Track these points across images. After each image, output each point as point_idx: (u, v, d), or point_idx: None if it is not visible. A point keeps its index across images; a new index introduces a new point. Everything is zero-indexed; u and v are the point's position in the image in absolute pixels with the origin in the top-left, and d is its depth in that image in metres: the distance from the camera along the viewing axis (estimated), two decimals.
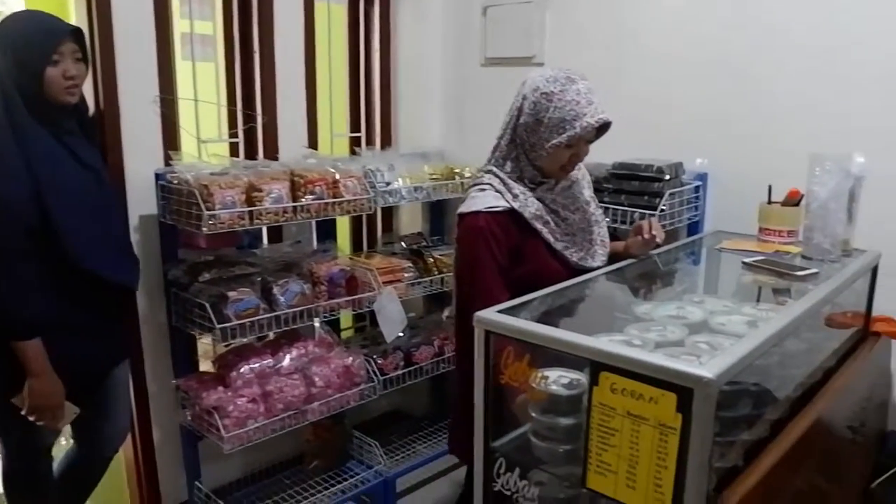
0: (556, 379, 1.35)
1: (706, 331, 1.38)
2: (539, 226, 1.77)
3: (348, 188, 2.42)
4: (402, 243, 2.96)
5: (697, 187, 2.38)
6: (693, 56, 2.42)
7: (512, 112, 1.80)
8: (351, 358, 2.57)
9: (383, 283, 2.63)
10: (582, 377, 1.30)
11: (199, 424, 2.29)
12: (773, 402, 1.43)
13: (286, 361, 2.42)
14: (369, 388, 2.61)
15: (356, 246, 3.20)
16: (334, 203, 2.38)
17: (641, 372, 1.13)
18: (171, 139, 2.41)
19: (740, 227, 2.23)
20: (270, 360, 2.39)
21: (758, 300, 1.69)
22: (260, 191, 2.18)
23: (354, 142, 3.15)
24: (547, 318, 1.44)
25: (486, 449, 1.42)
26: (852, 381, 1.71)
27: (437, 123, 3.20)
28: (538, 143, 1.74)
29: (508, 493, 1.38)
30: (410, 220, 3.31)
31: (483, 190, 1.79)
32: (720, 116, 2.38)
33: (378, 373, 2.65)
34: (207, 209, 2.04)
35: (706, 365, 1.09)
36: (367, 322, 3.07)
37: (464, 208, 1.79)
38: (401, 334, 2.83)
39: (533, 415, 1.35)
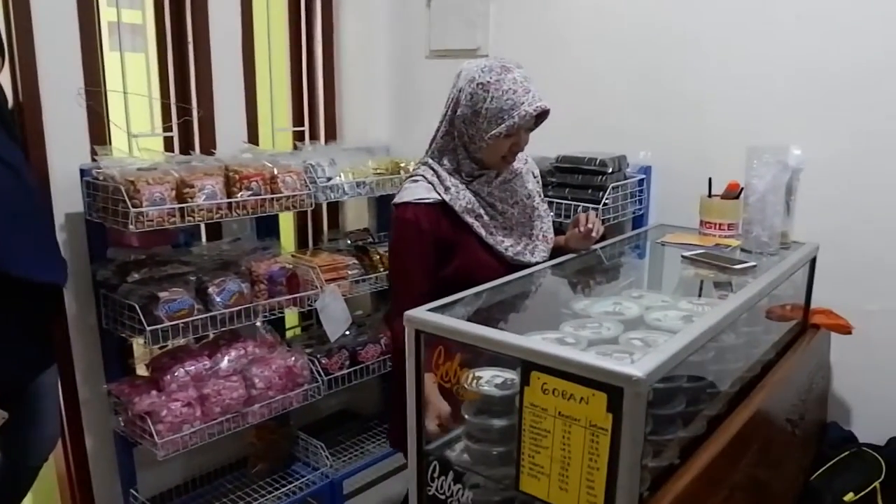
0: (490, 379, 1.31)
1: (642, 327, 1.36)
2: (470, 219, 1.75)
3: (287, 184, 2.35)
4: (348, 240, 2.89)
5: (641, 180, 2.37)
6: (634, 48, 2.41)
7: (448, 104, 1.78)
8: (294, 358, 2.50)
9: (327, 280, 2.57)
10: (516, 377, 1.25)
11: (131, 430, 2.19)
12: (711, 398, 1.41)
13: (224, 363, 2.34)
14: (314, 389, 2.55)
15: (301, 243, 3.13)
16: (273, 199, 2.31)
17: (572, 371, 1.09)
18: (98, 134, 2.30)
19: (684, 220, 2.22)
20: (207, 361, 2.31)
21: (700, 294, 1.68)
22: (191, 187, 2.09)
23: (298, 136, 3.07)
24: (481, 315, 1.40)
25: (420, 452, 1.37)
26: (791, 374, 1.71)
27: (383, 117, 3.14)
28: (477, 135, 1.72)
29: (443, 497, 1.34)
30: (357, 216, 3.24)
31: (416, 181, 1.78)
32: (663, 109, 2.37)
33: (322, 372, 2.59)
34: (134, 206, 1.95)
35: (636, 363, 1.06)
36: (313, 321, 2.99)
37: (396, 199, 1.80)
38: (347, 332, 2.78)
39: (465, 416, 1.30)
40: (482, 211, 1.78)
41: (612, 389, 1.05)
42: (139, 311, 2.03)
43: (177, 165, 2.16)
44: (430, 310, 1.33)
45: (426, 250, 1.70)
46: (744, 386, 1.58)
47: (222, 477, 2.75)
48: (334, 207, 3.22)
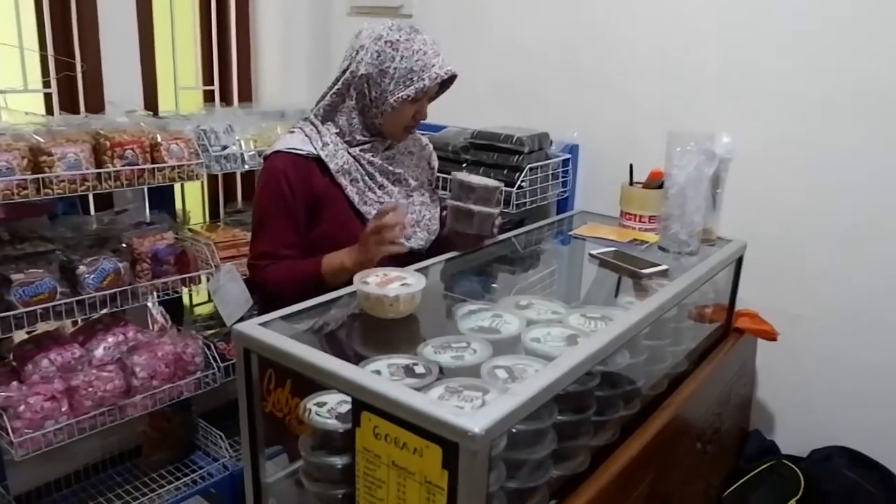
0: (335, 407, 1.11)
1: (517, 349, 1.16)
2: (344, 181, 1.60)
3: (173, 152, 2.09)
4: None
5: (567, 160, 2.16)
6: (562, 17, 2.19)
7: (345, 64, 1.62)
8: (184, 343, 2.28)
9: (225, 259, 2.34)
10: None
11: None
12: (595, 428, 1.23)
13: (99, 351, 2.11)
14: (209, 377, 2.33)
15: (214, 215, 2.88)
16: (154, 169, 2.06)
17: (402, 417, 0.89)
18: None
19: (610, 207, 2.02)
20: (78, 350, 2.08)
21: (616, 297, 1.49)
22: (49, 154, 1.83)
23: (209, 97, 2.80)
24: (331, 328, 1.19)
25: (256, 487, 1.17)
26: (704, 387, 1.54)
27: (301, 78, 2.87)
28: (380, 98, 1.57)
29: None
30: None
31: (291, 132, 1.66)
32: (591, 83, 2.15)
33: (219, 358, 2.37)
34: None
35: (477, 413, 0.87)
36: None
37: (268, 149, 1.67)
38: (253, 314, 2.57)
39: (302, 452, 1.10)
40: (358, 175, 1.63)
41: (447, 443, 0.86)
42: None
43: (36, 129, 1.89)
44: (263, 323, 1.11)
45: (293, 203, 1.57)
46: (645, 405, 1.40)
47: (113, 468, 2.54)
48: (250, 177, 2.97)
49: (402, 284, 1.25)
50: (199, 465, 2.55)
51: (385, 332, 1.18)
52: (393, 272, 1.30)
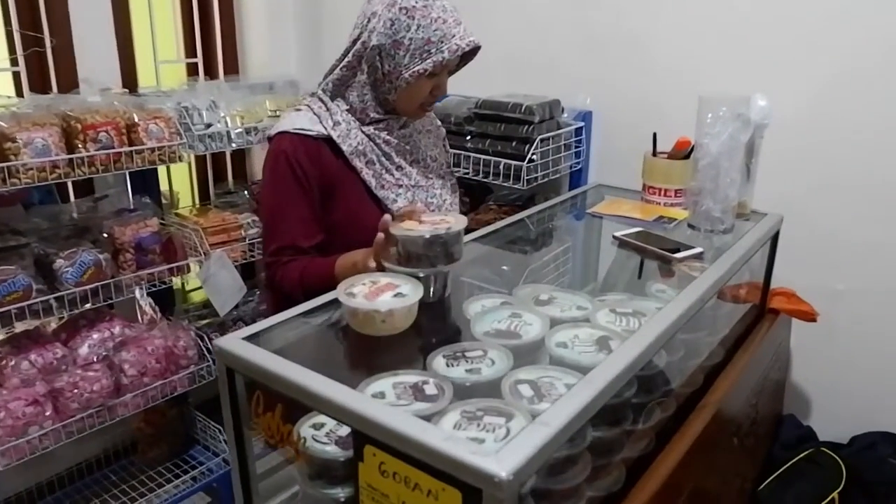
0: (334, 429, 0.96)
1: (540, 356, 1.01)
2: (359, 164, 1.43)
3: (152, 133, 1.93)
4: (246, 192, 2.49)
5: (579, 129, 1.99)
6: None
7: (356, 34, 1.44)
8: (176, 336, 2.14)
9: (215, 245, 2.19)
10: None
11: None
12: (635, 439, 1.08)
13: (84, 349, 1.98)
14: (204, 370, 2.20)
15: (203, 197, 2.72)
16: (132, 152, 1.89)
17: (413, 455, 0.75)
18: None
19: (629, 179, 1.85)
20: (60, 350, 1.94)
21: (644, 285, 1.33)
22: (14, 141, 1.67)
23: (193, 71, 2.62)
24: (328, 339, 1.04)
25: None
26: (740, 383, 1.40)
27: (290, 47, 2.68)
28: (394, 71, 1.39)
29: None
30: None
31: (298, 110, 1.48)
32: (606, 45, 1.97)
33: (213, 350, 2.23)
34: None
35: (501, 451, 0.72)
36: None
37: (271, 130, 1.48)
38: (249, 301, 2.44)
39: (299, 481, 0.96)
40: (374, 157, 1.45)
41: (468, 488, 0.71)
42: None
43: None
44: (248, 337, 0.96)
45: (308, 188, 1.40)
46: (680, 404, 1.25)
47: (107, 467, 2.42)
48: (240, 155, 2.80)
49: (396, 295, 1.05)
50: (199, 460, 2.44)
51: (388, 339, 1.03)
52: (383, 279, 1.10)
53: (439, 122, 1.64)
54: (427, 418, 0.83)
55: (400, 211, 1.27)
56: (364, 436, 0.79)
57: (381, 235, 1.19)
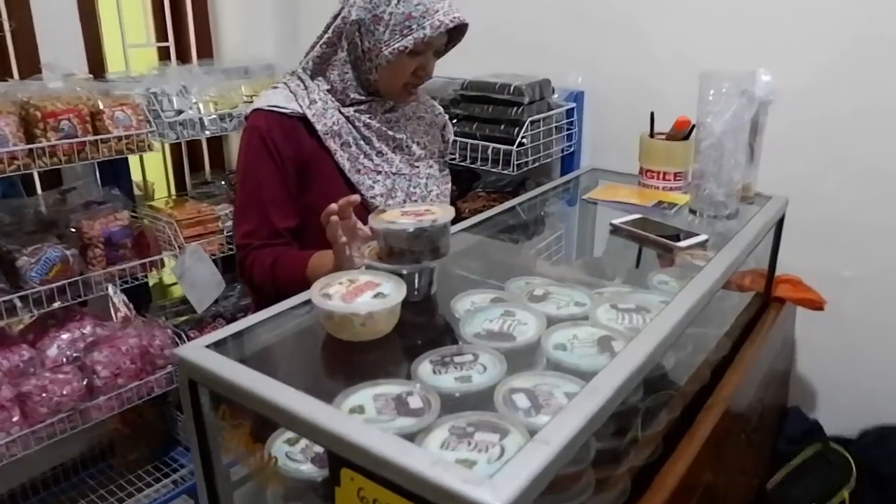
0: (310, 445, 0.87)
1: (536, 360, 0.92)
2: (333, 145, 1.35)
3: (117, 121, 1.82)
4: (224, 182, 2.38)
5: (571, 110, 1.89)
6: None
7: (337, 8, 1.36)
8: (151, 334, 2.04)
9: (190, 238, 2.09)
10: None
11: None
12: (641, 447, 0.99)
13: (52, 351, 1.88)
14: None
15: (180, 187, 2.60)
16: (97, 141, 1.78)
17: (394, 480, 0.65)
18: None
19: (624, 162, 1.74)
20: (27, 351, 1.83)
21: (645, 276, 1.24)
22: None
23: (164, 55, 2.49)
24: (304, 345, 0.94)
25: None
26: (745, 383, 1.31)
27: (266, 29, 2.56)
28: (374, 48, 1.30)
29: None
30: None
31: (275, 88, 1.42)
32: (599, 20, 1.86)
33: None
34: None
35: (496, 476, 0.63)
36: None
37: (247, 109, 1.42)
38: (230, 296, 2.34)
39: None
40: (351, 139, 1.37)
41: None
42: None
43: None
44: (213, 344, 0.86)
45: (282, 166, 1.33)
46: (686, 404, 1.17)
47: (84, 471, 2.32)
48: (217, 142, 2.68)
49: (376, 295, 0.94)
50: (181, 462, 2.36)
51: (369, 344, 0.93)
52: (362, 277, 1.00)
53: (441, 110, 1.54)
54: (411, 436, 0.74)
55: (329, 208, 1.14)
56: (340, 458, 0.70)
57: (340, 228, 1.11)
